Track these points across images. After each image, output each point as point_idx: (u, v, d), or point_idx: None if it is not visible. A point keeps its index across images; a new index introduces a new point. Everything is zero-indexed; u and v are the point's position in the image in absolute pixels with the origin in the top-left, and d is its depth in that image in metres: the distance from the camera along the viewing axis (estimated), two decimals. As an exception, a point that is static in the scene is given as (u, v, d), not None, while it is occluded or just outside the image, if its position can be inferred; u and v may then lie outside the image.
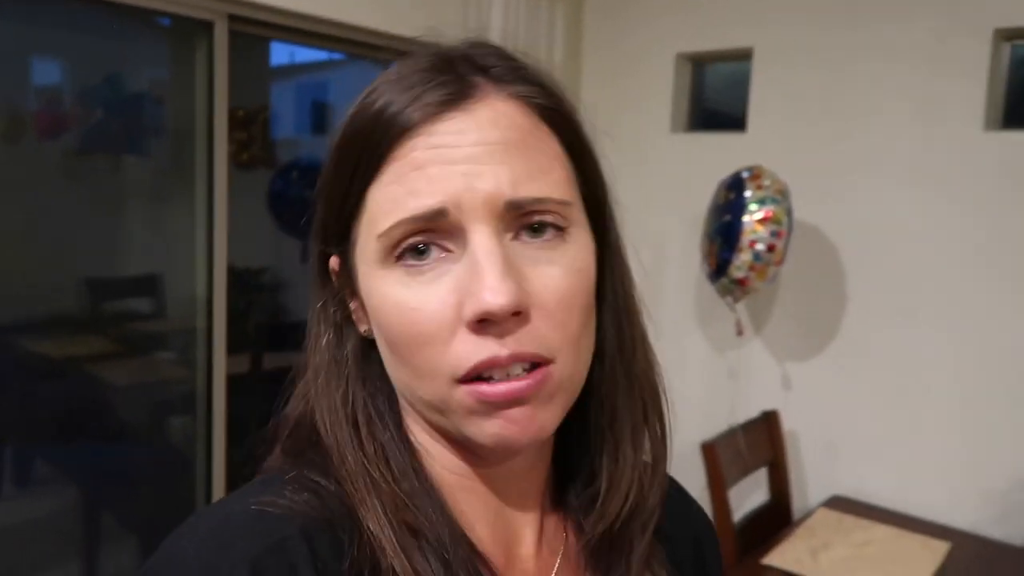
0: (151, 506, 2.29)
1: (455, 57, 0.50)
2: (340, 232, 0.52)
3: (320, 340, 0.55)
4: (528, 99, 0.49)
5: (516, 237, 0.48)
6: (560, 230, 0.49)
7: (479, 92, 0.48)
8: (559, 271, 0.48)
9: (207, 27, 2.05)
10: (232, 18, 2.07)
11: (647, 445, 0.56)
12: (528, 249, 0.48)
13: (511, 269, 0.46)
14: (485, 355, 0.46)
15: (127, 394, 2.31)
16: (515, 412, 0.47)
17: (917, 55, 2.23)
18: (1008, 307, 2.13)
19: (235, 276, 2.19)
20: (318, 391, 0.54)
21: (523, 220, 0.47)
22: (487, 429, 0.48)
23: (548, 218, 0.48)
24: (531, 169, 0.47)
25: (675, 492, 0.66)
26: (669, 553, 0.60)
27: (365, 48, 2.40)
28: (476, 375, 0.47)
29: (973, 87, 2.15)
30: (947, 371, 2.23)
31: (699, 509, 0.68)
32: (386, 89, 0.49)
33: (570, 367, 0.49)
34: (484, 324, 0.46)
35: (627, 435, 0.55)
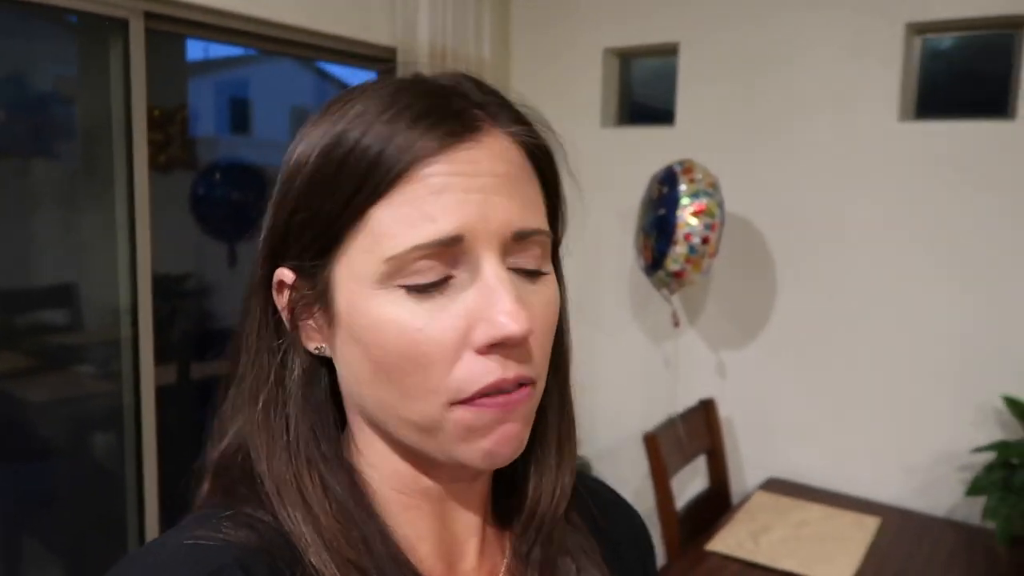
0: (79, 527, 2.18)
1: (450, 90, 0.50)
2: (320, 247, 0.49)
3: (259, 359, 0.53)
4: (518, 137, 0.51)
5: (508, 266, 0.50)
6: (542, 261, 0.52)
7: (484, 125, 0.50)
8: (543, 299, 0.51)
9: (122, 24, 1.95)
10: (148, 15, 1.98)
11: (566, 455, 0.59)
12: (517, 278, 0.50)
13: (520, 296, 0.48)
14: (493, 378, 0.48)
15: (47, 411, 2.19)
16: (507, 428, 0.49)
17: (835, 48, 2.31)
18: (928, 288, 2.23)
19: (157, 283, 2.10)
20: (256, 420, 0.52)
21: (518, 249, 0.49)
22: (480, 446, 0.49)
23: (537, 250, 0.51)
24: (527, 202, 0.50)
25: (616, 498, 0.70)
26: (610, 553, 0.62)
27: (287, 45, 2.33)
28: (472, 399, 0.48)
29: (888, 79, 2.24)
30: (873, 351, 2.32)
31: (639, 516, 0.71)
32: (385, 109, 0.48)
33: (541, 387, 0.53)
34: (494, 347, 0.47)
35: (553, 448, 0.58)
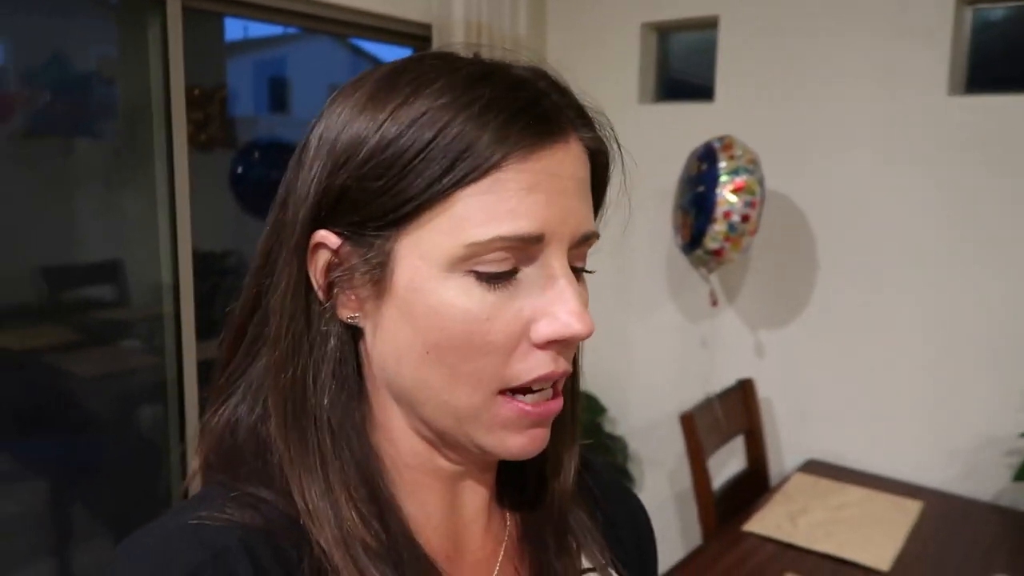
0: (125, 499, 2.24)
1: (533, 87, 0.50)
2: (389, 219, 0.48)
3: (292, 324, 0.51)
4: (588, 143, 0.53)
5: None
6: (586, 260, 0.54)
7: (569, 129, 0.51)
8: (585, 296, 0.53)
9: (160, 4, 1.97)
10: (187, -7, 1.99)
11: (575, 437, 0.61)
12: None
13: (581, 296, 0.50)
14: (546, 370, 0.50)
15: (93, 385, 2.24)
16: (539, 431, 0.52)
17: (881, 20, 2.24)
18: (973, 269, 2.17)
19: (198, 260, 2.13)
20: (282, 388, 0.51)
21: (575, 249, 0.51)
22: (512, 442, 0.51)
23: (587, 249, 0.53)
24: (589, 205, 0.53)
25: (615, 479, 0.71)
26: (608, 532, 0.63)
27: (323, 22, 2.33)
28: (521, 388, 0.50)
29: (936, 53, 2.17)
30: (915, 334, 2.27)
31: (637, 499, 0.72)
32: (472, 97, 0.47)
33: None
34: (552, 343, 0.49)
35: (564, 431, 0.59)
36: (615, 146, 0.55)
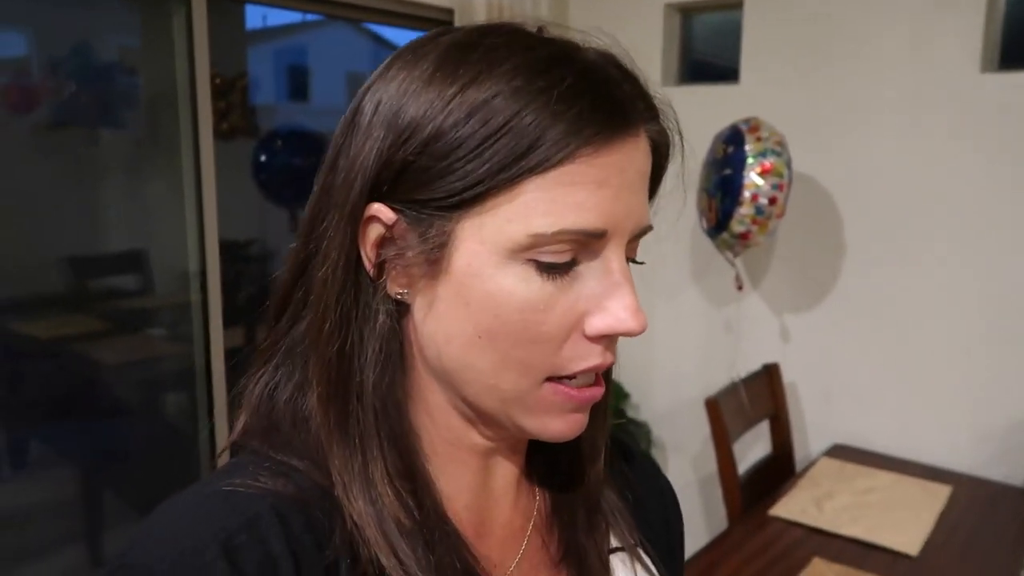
0: (156, 482, 2.27)
1: (605, 74, 0.49)
2: (453, 200, 0.47)
3: (342, 297, 0.50)
4: (653, 136, 0.52)
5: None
6: (638, 251, 0.54)
7: (639, 122, 0.50)
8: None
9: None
10: (209, -19, 1.99)
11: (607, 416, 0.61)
12: None
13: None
14: (596, 361, 0.50)
15: (122, 373, 2.27)
16: (580, 417, 0.52)
17: (911, -2, 2.19)
18: (1005, 250, 2.13)
19: (223, 249, 2.14)
20: (328, 361, 0.50)
21: (632, 241, 0.51)
22: (554, 425, 0.51)
23: (639, 242, 0.53)
24: (647, 199, 0.53)
25: (642, 456, 0.71)
26: (636, 508, 0.63)
27: (343, 8, 2.32)
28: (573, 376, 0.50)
29: (969, 28, 2.12)
30: (943, 316, 2.24)
31: (664, 476, 0.72)
32: (545, 83, 0.46)
33: None
34: (604, 337, 0.49)
35: (598, 410, 0.58)
36: (677, 137, 0.55)
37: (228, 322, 2.17)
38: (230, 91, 2.90)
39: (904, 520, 1.88)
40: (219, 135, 2.68)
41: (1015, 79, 2.09)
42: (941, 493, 2.03)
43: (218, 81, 2.75)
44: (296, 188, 2.80)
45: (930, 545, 1.77)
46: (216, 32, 2.09)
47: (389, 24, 2.55)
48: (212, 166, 2.06)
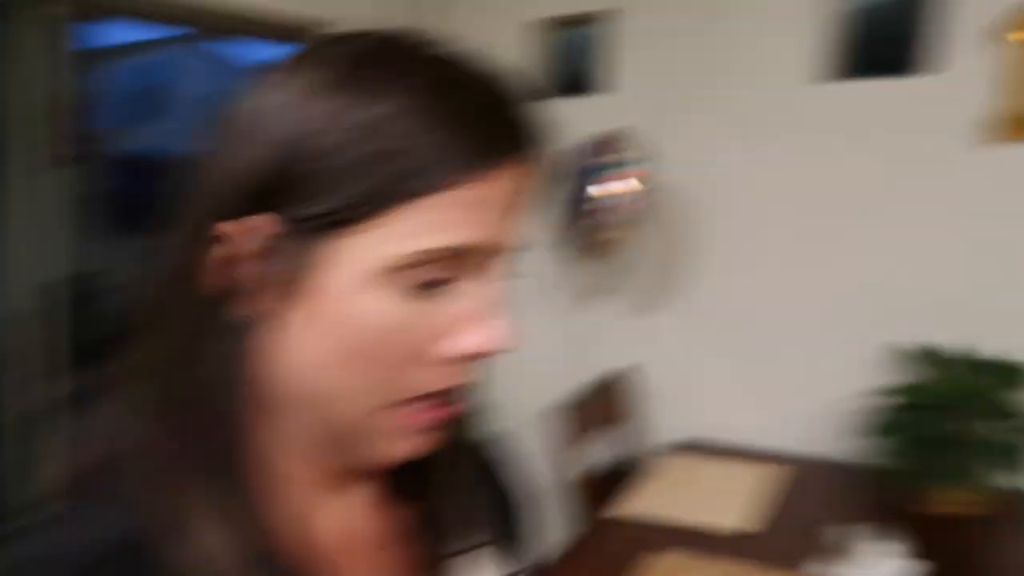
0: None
1: (500, 96, 0.48)
2: (324, 220, 0.45)
3: (183, 318, 0.47)
4: (538, 156, 0.51)
5: None
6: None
7: (527, 143, 0.49)
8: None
9: (2, 7, 1.85)
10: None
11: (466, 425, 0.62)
12: None
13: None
14: (458, 380, 0.49)
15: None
16: (434, 436, 0.52)
17: (746, 13, 2.39)
18: (838, 250, 2.37)
19: (51, 288, 1.98)
20: (174, 388, 0.47)
21: (504, 263, 0.51)
22: (399, 447, 0.51)
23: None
24: (521, 219, 0.52)
25: (503, 467, 0.71)
26: (497, 519, 0.64)
27: (191, 22, 2.24)
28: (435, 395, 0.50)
29: (802, 43, 2.34)
30: (782, 313, 2.44)
31: (520, 481, 0.72)
32: (436, 100, 0.45)
33: None
34: (472, 355, 0.48)
35: (461, 423, 0.60)
36: (551, 153, 0.54)
37: (60, 364, 2.01)
38: (65, 114, 2.73)
39: (743, 502, 1.97)
40: (54, 162, 2.52)
41: (845, 89, 2.31)
42: (783, 474, 2.16)
43: (50, 105, 2.58)
44: (142, 213, 2.66)
45: (773, 523, 1.86)
46: (49, 52, 1.95)
47: (240, 39, 2.48)
48: (31, 198, 1.89)
